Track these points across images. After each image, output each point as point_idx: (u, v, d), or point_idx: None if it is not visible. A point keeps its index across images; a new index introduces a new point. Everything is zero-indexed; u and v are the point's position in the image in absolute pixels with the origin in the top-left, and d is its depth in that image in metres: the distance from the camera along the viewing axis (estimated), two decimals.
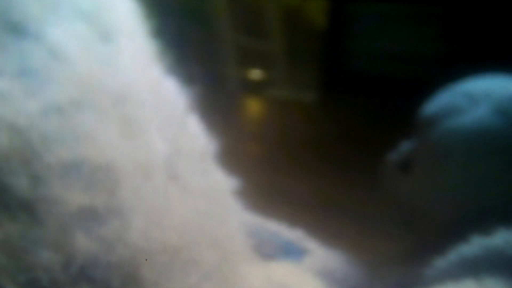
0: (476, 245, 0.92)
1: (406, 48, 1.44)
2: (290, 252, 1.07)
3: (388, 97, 1.47)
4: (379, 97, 1.47)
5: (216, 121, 0.77)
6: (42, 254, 0.46)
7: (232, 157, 0.77)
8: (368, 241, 1.16)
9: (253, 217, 1.03)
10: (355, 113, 1.49)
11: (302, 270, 0.92)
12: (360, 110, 1.48)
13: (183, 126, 0.68)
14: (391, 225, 1.24)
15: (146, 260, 0.52)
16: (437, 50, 1.43)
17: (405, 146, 1.20)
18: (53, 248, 0.47)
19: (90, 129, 0.50)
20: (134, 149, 0.54)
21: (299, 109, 1.57)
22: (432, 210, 1.10)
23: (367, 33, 1.47)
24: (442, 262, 0.97)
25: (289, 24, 1.49)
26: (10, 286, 0.45)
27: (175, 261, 0.54)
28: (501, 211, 0.97)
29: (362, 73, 1.50)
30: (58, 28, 0.55)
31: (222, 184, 0.71)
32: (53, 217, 0.46)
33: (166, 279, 0.52)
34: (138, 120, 0.57)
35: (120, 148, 0.52)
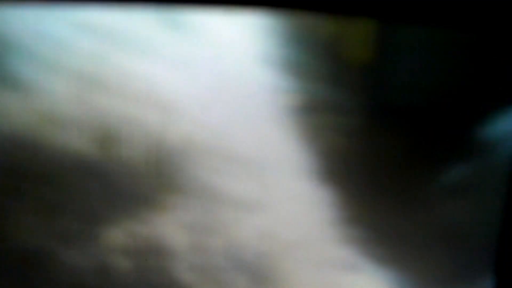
0: None
1: (450, 80, 1.48)
2: (342, 268, 1.09)
3: (431, 125, 1.50)
4: (422, 125, 1.51)
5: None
6: (211, 239, 0.53)
7: None
8: (418, 261, 1.20)
9: None
10: (399, 140, 1.53)
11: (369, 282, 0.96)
12: (405, 137, 1.52)
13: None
14: (440, 247, 1.27)
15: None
16: (480, 83, 1.47)
17: (458, 170, 1.23)
18: (218, 234, 0.53)
19: (245, 126, 0.57)
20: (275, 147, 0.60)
21: (342, 135, 1.60)
22: (485, 232, 1.12)
23: (409, 64, 1.52)
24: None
25: (333, 52, 1.54)
26: (184, 269, 0.52)
27: (305, 258, 0.61)
28: None
29: (404, 104, 1.55)
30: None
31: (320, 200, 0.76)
32: (220, 205, 0.53)
33: (301, 273, 0.58)
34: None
35: (266, 146, 0.59)
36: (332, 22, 1.36)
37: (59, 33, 0.59)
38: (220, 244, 0.55)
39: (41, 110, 0.58)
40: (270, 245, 0.58)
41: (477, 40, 1.46)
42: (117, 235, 0.57)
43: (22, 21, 0.59)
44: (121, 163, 0.55)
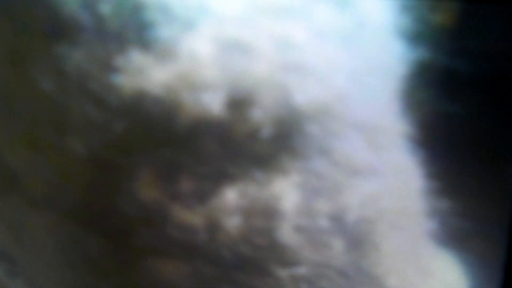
0: None
1: None
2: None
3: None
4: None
5: None
6: (318, 202, 0.55)
7: None
8: None
9: None
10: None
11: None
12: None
13: None
14: None
15: None
16: None
17: None
18: (327, 198, 0.55)
19: None
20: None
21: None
22: None
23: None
24: None
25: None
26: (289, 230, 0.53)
27: (404, 228, 0.63)
28: None
29: None
30: None
31: None
32: (333, 169, 0.55)
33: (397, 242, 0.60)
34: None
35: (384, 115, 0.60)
36: None
37: None
38: (326, 208, 0.57)
39: (180, 72, 0.59)
40: (372, 211, 0.59)
41: None
42: (231, 195, 0.59)
43: None
44: (248, 125, 0.57)
